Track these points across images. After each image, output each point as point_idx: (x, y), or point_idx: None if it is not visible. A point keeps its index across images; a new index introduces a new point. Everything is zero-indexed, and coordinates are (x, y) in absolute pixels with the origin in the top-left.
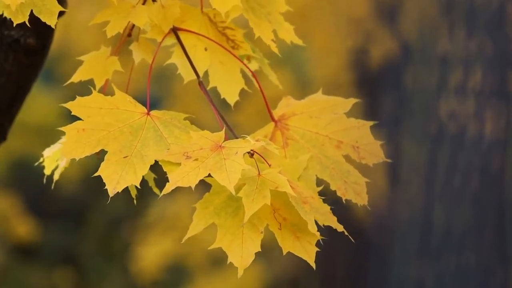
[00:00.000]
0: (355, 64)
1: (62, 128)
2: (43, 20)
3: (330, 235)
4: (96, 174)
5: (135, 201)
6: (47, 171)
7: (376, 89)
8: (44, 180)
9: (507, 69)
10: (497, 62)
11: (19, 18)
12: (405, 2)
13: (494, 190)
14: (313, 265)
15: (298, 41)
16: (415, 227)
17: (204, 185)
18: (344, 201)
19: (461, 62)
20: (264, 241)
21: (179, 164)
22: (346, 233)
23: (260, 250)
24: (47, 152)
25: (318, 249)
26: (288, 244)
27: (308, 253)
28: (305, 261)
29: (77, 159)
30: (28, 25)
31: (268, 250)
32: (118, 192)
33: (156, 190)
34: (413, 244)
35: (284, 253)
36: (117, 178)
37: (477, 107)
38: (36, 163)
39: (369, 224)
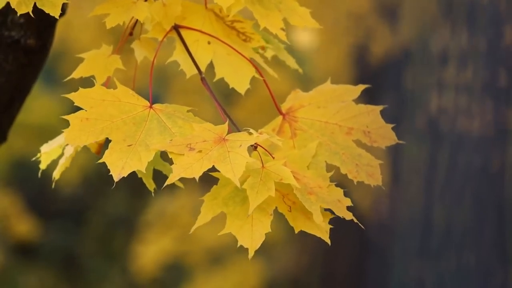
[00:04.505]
0: (356, 61)
1: (66, 117)
2: (46, 11)
3: (331, 234)
4: (100, 161)
5: (153, 194)
6: (42, 166)
7: (376, 89)
8: (39, 174)
9: (509, 69)
10: (498, 62)
11: (23, 9)
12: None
13: (494, 190)
14: (328, 241)
15: (315, 24)
16: (415, 227)
17: (204, 184)
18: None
19: (462, 61)
20: (265, 239)
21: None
22: (355, 221)
23: (270, 230)
24: (45, 148)
25: (332, 226)
26: (300, 224)
27: (321, 231)
28: (306, 260)
29: (81, 146)
30: (32, 15)
31: (269, 249)
32: (122, 178)
33: (178, 184)
34: (413, 244)
35: (296, 232)
36: (122, 164)
37: (477, 107)
38: (33, 158)
39: (370, 224)
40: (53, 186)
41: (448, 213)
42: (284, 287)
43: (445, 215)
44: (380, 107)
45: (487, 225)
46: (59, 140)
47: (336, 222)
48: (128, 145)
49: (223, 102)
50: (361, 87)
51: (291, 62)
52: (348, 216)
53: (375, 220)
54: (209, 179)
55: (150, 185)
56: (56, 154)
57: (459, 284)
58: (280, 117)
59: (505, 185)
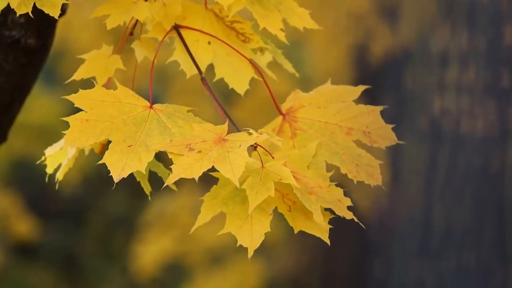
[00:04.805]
0: (356, 61)
1: (66, 118)
2: (46, 11)
3: (330, 234)
4: (100, 162)
5: (149, 197)
6: (49, 170)
7: (376, 89)
8: (47, 179)
9: (510, 69)
10: (498, 62)
11: (22, 9)
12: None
13: (494, 190)
14: (328, 241)
15: (314, 25)
16: (415, 227)
17: (204, 184)
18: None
19: (462, 61)
20: (265, 239)
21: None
22: (356, 220)
23: (269, 230)
24: (49, 151)
25: (331, 226)
26: (299, 224)
27: (321, 231)
28: (306, 260)
29: (85, 151)
30: (32, 16)
31: (268, 249)
32: (122, 178)
33: (173, 186)
34: (413, 244)
35: (296, 232)
36: (122, 165)
37: (477, 107)
38: (38, 162)
39: (370, 224)
40: (56, 187)
41: (448, 213)
42: (284, 287)
43: (445, 215)
44: (380, 108)
45: (487, 225)
46: (62, 142)
47: (336, 222)
48: (128, 146)
49: (223, 102)
50: (361, 87)
51: (288, 66)
52: (349, 215)
53: (375, 220)
54: (209, 179)
55: (147, 187)
56: (62, 158)
57: (459, 284)
58: (280, 117)
59: (505, 185)
